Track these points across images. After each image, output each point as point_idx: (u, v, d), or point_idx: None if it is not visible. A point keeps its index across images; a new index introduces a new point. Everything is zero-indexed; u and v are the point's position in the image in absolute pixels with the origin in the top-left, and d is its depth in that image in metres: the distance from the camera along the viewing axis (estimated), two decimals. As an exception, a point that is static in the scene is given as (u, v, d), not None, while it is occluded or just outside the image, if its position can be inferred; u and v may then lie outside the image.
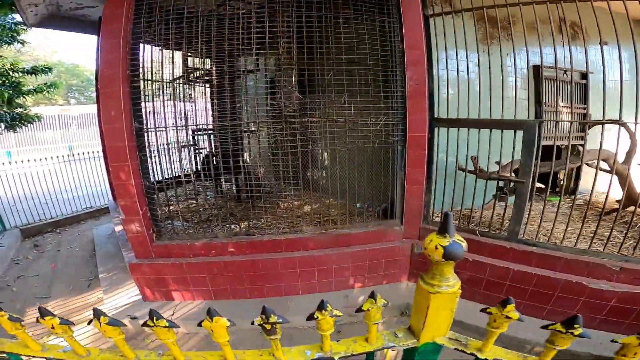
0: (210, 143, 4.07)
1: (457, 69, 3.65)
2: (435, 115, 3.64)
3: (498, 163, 3.76)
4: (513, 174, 3.86)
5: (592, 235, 3.25)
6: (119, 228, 4.89)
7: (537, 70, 4.60)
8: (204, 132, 4.39)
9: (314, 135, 3.55)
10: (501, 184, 3.53)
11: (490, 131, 3.39)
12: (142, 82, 3.29)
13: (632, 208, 3.73)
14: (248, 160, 3.78)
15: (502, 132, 3.33)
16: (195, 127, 4.09)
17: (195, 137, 4.35)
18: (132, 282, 3.90)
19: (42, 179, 6.54)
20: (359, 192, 3.83)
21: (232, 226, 3.88)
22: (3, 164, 6.25)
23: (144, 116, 3.43)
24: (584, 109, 4.90)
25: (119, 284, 4.22)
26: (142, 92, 3.35)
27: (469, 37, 3.58)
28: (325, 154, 3.58)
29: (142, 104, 3.39)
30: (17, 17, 6.90)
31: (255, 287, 3.74)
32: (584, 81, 4.88)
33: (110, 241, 5.35)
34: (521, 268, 3.27)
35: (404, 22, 3.52)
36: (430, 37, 3.60)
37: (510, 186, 3.54)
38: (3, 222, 5.98)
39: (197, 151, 4.30)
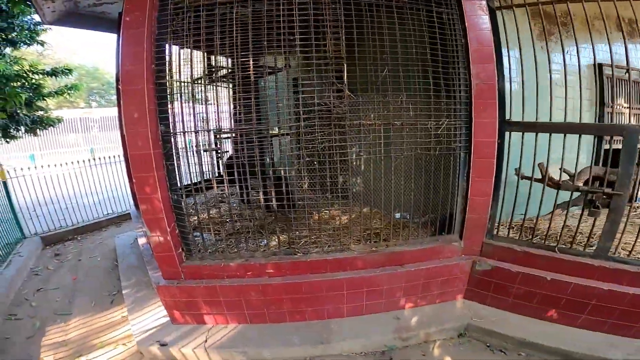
0: (239, 147, 3.44)
1: (522, 66, 2.97)
2: (507, 118, 2.97)
3: (564, 171, 3.10)
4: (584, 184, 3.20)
5: None
6: (142, 241, 4.32)
7: (599, 68, 3.93)
8: (235, 136, 3.78)
9: (367, 141, 2.91)
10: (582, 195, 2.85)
11: (565, 136, 2.78)
12: (169, 78, 2.69)
13: None
14: (285, 167, 3.13)
15: (579, 137, 2.70)
16: (228, 129, 3.46)
17: (220, 141, 3.76)
18: (158, 300, 3.34)
19: (63, 184, 6.03)
20: (413, 204, 3.19)
21: (269, 242, 3.27)
22: (29, 168, 5.70)
23: (170, 118, 2.82)
24: None
25: (144, 303, 3.65)
26: (169, 91, 2.75)
27: (526, 33, 2.97)
28: (377, 161, 2.92)
29: (169, 104, 2.79)
30: (37, 17, 6.39)
31: (296, 310, 3.14)
32: None
33: (132, 251, 4.80)
34: (611, 287, 2.67)
35: (465, 14, 2.91)
36: (498, 31, 2.96)
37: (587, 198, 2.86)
38: (22, 229, 5.48)
39: (219, 156, 3.69)
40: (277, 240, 3.18)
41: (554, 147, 2.81)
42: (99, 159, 6.42)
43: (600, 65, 3.87)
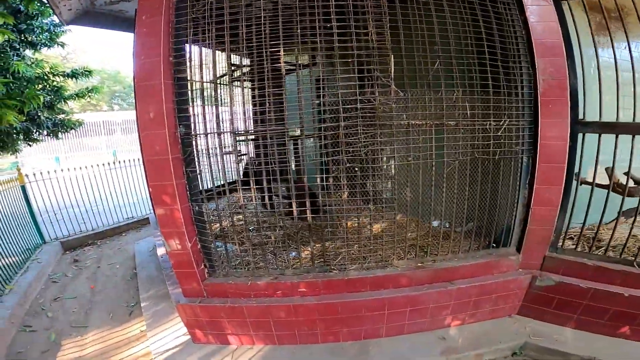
0: (267, 150, 2.94)
1: (597, 62, 2.40)
2: (580, 118, 2.43)
3: (632, 177, 2.55)
4: None
5: None
6: (161, 251, 3.89)
7: None
8: (263, 138, 3.29)
9: (416, 143, 2.40)
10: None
11: (633, 138, 2.27)
12: (190, 73, 2.23)
13: None
14: (319, 172, 2.61)
15: None
16: (255, 130, 2.97)
17: (245, 143, 3.28)
18: (178, 316, 2.91)
19: (83, 187, 5.67)
20: (466, 214, 2.67)
21: (300, 256, 2.79)
22: (48, 172, 5.35)
23: (192, 118, 2.37)
24: None
25: (163, 317, 3.22)
26: (190, 87, 2.30)
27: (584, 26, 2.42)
28: (428, 166, 2.40)
29: (190, 103, 2.34)
30: (56, 19, 6.04)
31: (330, 331, 2.66)
32: None
33: (151, 260, 4.40)
34: None
35: (525, 4, 2.45)
36: (566, 22, 2.44)
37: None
38: (42, 234, 5.14)
39: (241, 159, 3.20)
40: (310, 254, 2.69)
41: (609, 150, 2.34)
42: (120, 162, 6.05)
43: None
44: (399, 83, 2.35)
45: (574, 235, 2.77)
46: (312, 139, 2.48)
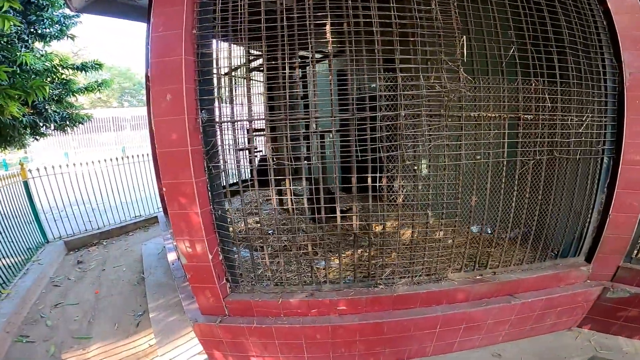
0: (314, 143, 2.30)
1: None
2: None
3: None
4: None
5: None
6: (171, 256, 3.32)
7: None
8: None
9: (487, 138, 1.87)
10: None
11: None
12: (216, 47, 1.68)
13: None
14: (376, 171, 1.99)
15: None
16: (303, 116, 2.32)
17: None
18: (192, 331, 2.37)
19: (89, 184, 5.06)
20: (533, 221, 2.16)
21: (341, 271, 2.23)
22: (53, 167, 4.73)
23: (216, 103, 1.83)
24: None
25: (175, 331, 2.67)
26: (215, 64, 1.76)
27: None
28: (499, 165, 1.87)
29: (216, 84, 1.79)
30: (67, 11, 5.45)
31: (370, 352, 2.14)
32: None
33: (160, 264, 3.83)
34: None
35: None
36: None
37: None
38: (45, 233, 4.55)
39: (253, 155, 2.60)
40: (351, 266, 2.15)
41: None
42: (128, 157, 5.46)
43: None
44: (467, 69, 1.81)
45: None
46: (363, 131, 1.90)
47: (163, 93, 1.68)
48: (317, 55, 2.07)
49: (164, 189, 1.79)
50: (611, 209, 2.05)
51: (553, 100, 1.88)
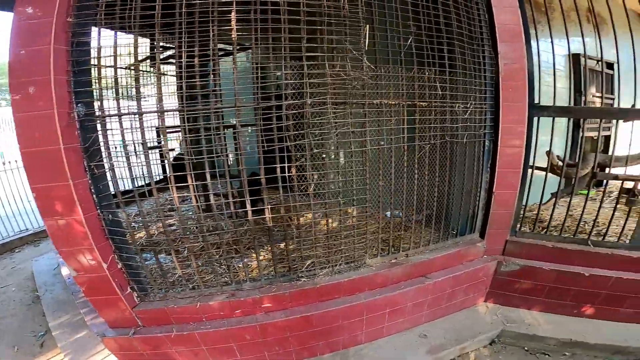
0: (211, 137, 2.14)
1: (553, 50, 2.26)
2: (536, 102, 2.25)
3: (558, 158, 2.55)
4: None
5: None
6: (65, 271, 2.84)
7: (576, 58, 3.54)
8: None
9: (388, 125, 1.94)
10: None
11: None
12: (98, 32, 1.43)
13: None
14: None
15: (600, 123, 2.13)
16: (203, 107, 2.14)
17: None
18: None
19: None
20: (422, 200, 2.35)
21: (254, 262, 2.14)
22: None
23: (96, 94, 1.56)
24: (612, 99, 3.91)
25: (87, 348, 2.30)
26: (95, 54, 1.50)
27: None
28: (400, 150, 1.99)
29: (95, 73, 1.53)
30: None
31: (305, 347, 2.13)
32: (611, 71, 3.87)
33: (57, 280, 3.25)
34: None
35: None
36: (525, 8, 2.25)
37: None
38: None
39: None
40: (270, 261, 2.08)
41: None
42: (8, 163, 4.48)
43: (577, 55, 3.46)
44: (370, 58, 1.85)
45: (527, 218, 2.66)
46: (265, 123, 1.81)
47: (25, 86, 1.36)
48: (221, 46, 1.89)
49: (34, 195, 1.48)
50: (495, 187, 2.33)
51: (443, 88, 2.03)
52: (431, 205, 2.41)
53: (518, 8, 2.19)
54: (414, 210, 2.29)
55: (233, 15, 1.61)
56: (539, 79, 2.33)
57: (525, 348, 2.29)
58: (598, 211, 2.32)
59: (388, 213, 2.91)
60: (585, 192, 2.64)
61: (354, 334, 2.18)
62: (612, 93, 3.87)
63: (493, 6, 2.17)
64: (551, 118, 2.26)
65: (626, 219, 2.26)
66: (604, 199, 2.39)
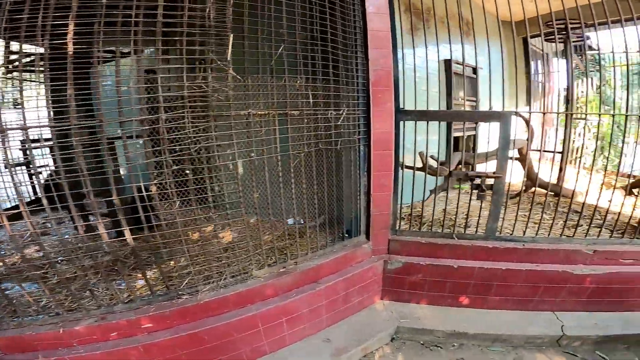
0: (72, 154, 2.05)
1: (403, 56, 2.67)
2: (401, 107, 2.69)
3: (432, 158, 3.00)
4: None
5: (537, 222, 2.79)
6: None
7: (447, 64, 4.14)
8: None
9: (258, 136, 2.06)
10: (472, 180, 2.73)
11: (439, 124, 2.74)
12: None
13: (542, 190, 3.54)
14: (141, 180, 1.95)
15: (464, 124, 2.56)
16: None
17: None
18: None
19: None
20: (313, 207, 2.58)
21: (134, 287, 2.07)
22: None
23: None
24: (475, 101, 4.61)
25: None
26: None
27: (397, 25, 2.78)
28: (274, 160, 2.12)
29: None
30: None
31: None
32: (474, 75, 4.58)
33: None
34: (508, 266, 2.63)
35: None
36: (394, 15, 2.65)
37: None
38: None
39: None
40: (147, 283, 2.02)
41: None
42: None
43: (449, 61, 4.08)
44: (238, 68, 1.97)
45: (405, 216, 3.04)
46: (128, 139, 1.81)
47: None
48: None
49: None
50: (372, 189, 2.74)
51: (315, 96, 2.30)
52: (322, 212, 2.59)
53: (388, 15, 2.59)
54: (306, 217, 2.43)
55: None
56: (415, 83, 2.73)
57: (421, 342, 2.59)
58: (463, 204, 2.70)
59: (290, 220, 3.04)
60: (462, 186, 3.08)
61: (255, 345, 2.32)
62: (475, 96, 4.45)
63: (367, 13, 2.54)
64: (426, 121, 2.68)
65: (479, 212, 2.69)
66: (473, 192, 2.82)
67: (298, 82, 2.24)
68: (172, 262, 2.24)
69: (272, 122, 2.14)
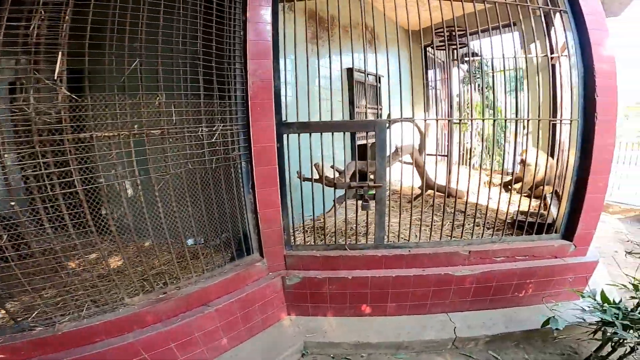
0: None
1: (296, 67, 2.67)
2: (283, 120, 2.65)
3: (333, 167, 3.12)
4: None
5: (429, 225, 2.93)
6: None
7: (349, 72, 4.26)
8: None
9: (109, 159, 1.88)
10: (356, 190, 2.80)
11: (332, 135, 2.64)
12: None
13: (440, 193, 3.78)
14: None
15: (344, 134, 2.61)
16: None
17: None
18: None
19: None
20: (197, 228, 2.43)
21: None
22: None
23: None
24: (378, 109, 4.85)
25: None
26: None
27: (301, 34, 2.76)
28: (135, 184, 1.98)
29: None
30: None
31: None
32: (377, 83, 4.81)
33: None
34: (398, 273, 2.71)
35: (249, 3, 2.43)
36: (278, 25, 2.58)
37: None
38: None
39: None
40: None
41: (319, 146, 2.66)
42: None
43: (351, 70, 4.16)
44: (75, 87, 1.78)
45: (308, 229, 3.04)
46: None
47: None
48: None
49: None
50: (258, 206, 2.63)
51: (180, 113, 2.20)
52: (214, 232, 2.48)
53: (270, 24, 2.50)
54: (182, 239, 2.29)
55: None
56: (319, 93, 2.63)
57: (332, 355, 2.55)
58: (363, 214, 2.70)
59: (190, 241, 2.87)
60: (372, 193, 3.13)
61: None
62: (378, 104, 4.65)
63: (248, 22, 2.42)
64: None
65: (367, 223, 2.74)
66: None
67: (158, 99, 2.03)
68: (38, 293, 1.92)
69: (124, 143, 1.92)
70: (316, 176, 2.96)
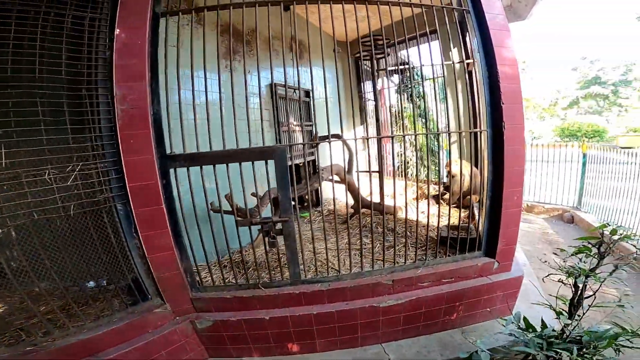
0: None
1: (193, 88, 2.29)
2: (168, 152, 2.24)
3: (255, 195, 2.75)
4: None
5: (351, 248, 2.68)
6: None
7: (272, 88, 3.82)
8: None
9: None
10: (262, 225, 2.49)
11: (240, 164, 2.32)
12: None
13: (369, 210, 3.47)
14: None
15: (252, 162, 2.31)
16: None
17: None
18: None
19: None
20: (78, 275, 2.03)
21: None
22: None
23: None
24: (311, 125, 4.59)
25: None
26: None
27: (211, 50, 2.38)
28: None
29: None
30: None
31: None
32: (308, 99, 4.51)
33: None
34: (320, 309, 2.44)
35: (119, 20, 2.07)
36: (158, 43, 2.21)
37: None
38: None
39: None
40: None
41: (236, 175, 2.34)
42: None
43: (275, 86, 3.77)
44: None
45: (227, 265, 2.67)
46: None
47: None
48: None
49: None
50: (147, 251, 2.23)
51: (19, 154, 1.73)
52: (100, 278, 2.09)
53: (148, 42, 2.12)
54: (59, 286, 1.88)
55: None
56: (248, 113, 2.28)
57: None
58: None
59: (91, 283, 2.48)
60: (306, 214, 2.85)
61: None
62: (311, 120, 4.34)
63: (116, 41, 2.05)
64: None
65: (279, 259, 2.44)
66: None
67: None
68: None
69: None
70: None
